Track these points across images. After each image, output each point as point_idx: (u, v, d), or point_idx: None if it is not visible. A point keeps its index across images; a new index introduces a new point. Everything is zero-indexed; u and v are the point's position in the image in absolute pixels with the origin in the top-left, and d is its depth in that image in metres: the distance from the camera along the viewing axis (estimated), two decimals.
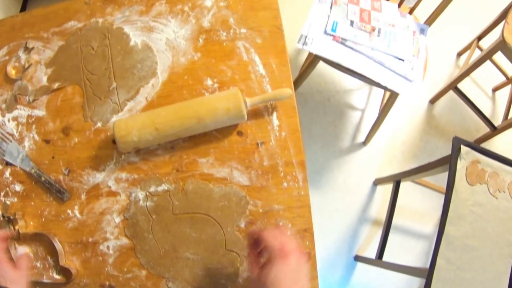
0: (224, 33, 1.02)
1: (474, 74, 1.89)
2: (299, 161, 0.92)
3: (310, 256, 0.87)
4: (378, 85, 1.47)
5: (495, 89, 2.32)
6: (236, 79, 0.98)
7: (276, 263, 0.67)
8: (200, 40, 1.03)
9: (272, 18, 1.02)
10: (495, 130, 1.98)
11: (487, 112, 2.19)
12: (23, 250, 0.89)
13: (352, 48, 1.48)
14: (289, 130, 0.94)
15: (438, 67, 2.33)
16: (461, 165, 1.24)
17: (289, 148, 0.93)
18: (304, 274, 0.70)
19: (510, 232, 1.22)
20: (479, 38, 2.10)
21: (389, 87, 1.44)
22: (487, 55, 1.70)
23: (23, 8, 2.57)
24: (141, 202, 0.92)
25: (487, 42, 1.76)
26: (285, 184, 0.91)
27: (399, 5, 1.64)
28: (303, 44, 1.47)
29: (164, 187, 0.93)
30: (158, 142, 0.92)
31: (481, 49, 2.09)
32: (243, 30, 1.02)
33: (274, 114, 0.95)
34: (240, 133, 0.94)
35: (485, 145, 2.15)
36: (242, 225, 0.89)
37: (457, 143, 1.26)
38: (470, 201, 1.21)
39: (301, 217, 0.89)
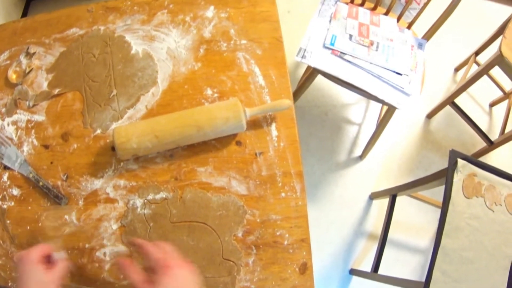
0: (225, 44, 1.04)
1: (471, 89, 1.90)
2: (297, 171, 0.93)
3: (307, 266, 0.87)
4: (375, 98, 1.48)
5: (492, 104, 2.33)
6: (236, 90, 0.99)
7: (162, 278, 0.67)
8: (201, 50, 1.04)
9: (272, 30, 1.04)
10: (491, 145, 1.97)
11: (484, 127, 2.20)
12: (60, 255, 0.81)
13: (350, 62, 1.50)
14: (287, 140, 0.95)
15: (435, 82, 2.35)
16: (458, 178, 1.24)
17: (287, 159, 0.93)
18: (192, 285, 0.71)
19: (506, 245, 1.22)
20: (477, 53, 2.12)
21: (386, 100, 1.45)
22: (485, 70, 1.71)
23: (24, 14, 2.58)
24: (139, 210, 0.92)
25: (485, 57, 1.77)
26: (283, 194, 0.91)
27: (398, 20, 1.66)
28: (301, 57, 1.48)
29: (162, 195, 0.93)
30: (157, 150, 0.92)
31: (478, 64, 2.10)
32: (243, 41, 1.03)
33: (273, 124, 0.96)
34: (239, 143, 0.95)
35: (482, 160, 2.15)
36: (240, 234, 0.89)
37: (454, 156, 1.26)
38: (467, 213, 1.22)
39: (298, 227, 0.89)
